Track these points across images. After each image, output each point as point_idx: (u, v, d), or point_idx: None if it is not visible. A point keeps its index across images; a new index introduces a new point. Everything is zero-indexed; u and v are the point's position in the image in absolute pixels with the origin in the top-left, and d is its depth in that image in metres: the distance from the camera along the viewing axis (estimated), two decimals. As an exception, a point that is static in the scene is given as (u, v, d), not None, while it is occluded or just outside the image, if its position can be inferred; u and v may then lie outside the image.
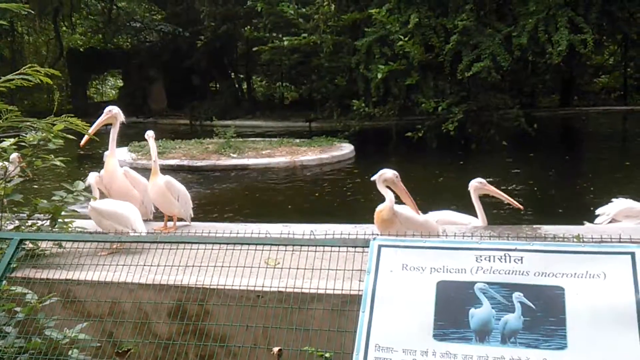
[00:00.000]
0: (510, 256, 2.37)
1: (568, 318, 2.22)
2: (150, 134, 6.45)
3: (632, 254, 2.31)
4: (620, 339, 2.16)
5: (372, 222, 5.02)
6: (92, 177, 5.88)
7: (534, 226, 5.77)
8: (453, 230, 5.42)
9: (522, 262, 2.35)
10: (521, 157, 14.41)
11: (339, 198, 11.04)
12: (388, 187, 4.78)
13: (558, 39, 13.91)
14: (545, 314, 2.24)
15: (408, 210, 4.79)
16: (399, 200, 4.87)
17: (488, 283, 2.33)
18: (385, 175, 4.79)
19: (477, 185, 6.08)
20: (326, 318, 3.61)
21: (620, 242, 2.69)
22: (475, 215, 6.07)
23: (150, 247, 4.57)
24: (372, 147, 16.39)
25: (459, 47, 14.74)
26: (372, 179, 4.91)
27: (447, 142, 15.35)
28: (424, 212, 5.08)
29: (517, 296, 2.29)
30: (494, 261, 2.37)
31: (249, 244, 3.05)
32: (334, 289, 3.49)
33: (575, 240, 4.39)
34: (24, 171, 5.11)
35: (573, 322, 2.21)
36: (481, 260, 2.38)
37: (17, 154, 5.01)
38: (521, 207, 6.28)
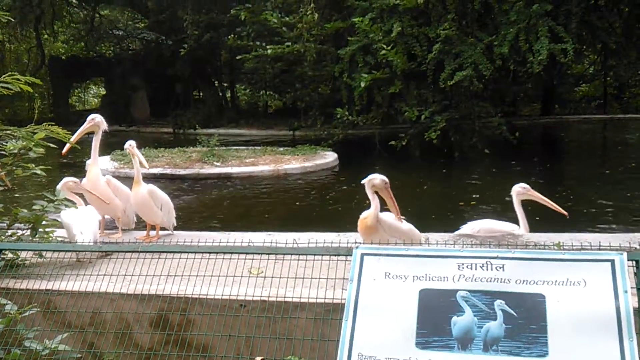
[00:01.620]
0: (491, 264, 2.38)
1: (549, 325, 2.23)
2: (132, 144, 6.39)
3: (612, 261, 2.33)
4: (600, 345, 2.18)
5: (356, 231, 5.03)
6: (63, 183, 5.74)
7: (516, 233, 5.80)
8: (435, 238, 5.44)
9: (503, 270, 2.36)
10: (503, 165, 14.53)
11: (323, 206, 11.05)
12: (376, 192, 4.79)
13: (539, 48, 14.08)
14: (526, 321, 2.26)
15: (392, 217, 4.80)
16: (386, 207, 4.88)
17: (470, 291, 2.35)
18: (374, 181, 4.80)
19: (519, 191, 5.93)
20: (310, 327, 3.60)
21: (600, 249, 2.72)
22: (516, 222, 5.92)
23: (132, 257, 4.53)
24: (355, 156, 16.43)
25: (441, 56, 14.86)
26: (362, 182, 4.91)
27: (430, 151, 15.43)
28: (410, 221, 5.08)
29: (498, 304, 2.30)
30: (475, 269, 2.38)
31: (231, 252, 3.04)
32: (317, 298, 3.49)
33: (555, 247, 4.43)
34: (3, 181, 5.05)
35: (554, 329, 2.22)
36: (463, 268, 2.40)
37: None
38: (566, 213, 6.01)
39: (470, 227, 5.89)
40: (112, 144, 15.57)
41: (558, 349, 2.19)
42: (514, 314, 2.28)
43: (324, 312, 3.47)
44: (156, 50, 27.18)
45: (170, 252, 3.49)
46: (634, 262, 2.39)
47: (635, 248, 4.84)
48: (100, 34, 29.83)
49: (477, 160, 15.17)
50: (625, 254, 2.36)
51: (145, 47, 28.73)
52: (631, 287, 2.29)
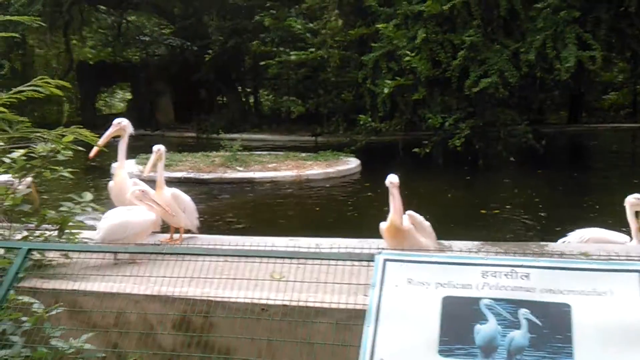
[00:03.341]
0: (516, 272, 2.36)
1: (575, 336, 2.20)
2: (160, 149, 6.48)
3: (640, 272, 2.30)
4: (627, 356, 2.15)
5: (377, 237, 5.02)
6: (131, 192, 5.78)
7: (541, 243, 5.73)
8: (459, 246, 5.40)
9: (528, 279, 2.34)
10: (529, 173, 14.37)
11: (345, 212, 11.04)
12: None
13: (566, 56, 13.93)
14: (551, 331, 2.23)
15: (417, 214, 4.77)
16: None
17: (494, 299, 2.32)
18: (387, 180, 4.81)
19: (633, 202, 5.72)
20: (331, 332, 3.59)
21: (628, 259, 2.68)
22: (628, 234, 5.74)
23: (157, 259, 4.58)
24: (378, 162, 16.38)
25: (466, 63, 14.78)
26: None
27: (454, 158, 15.33)
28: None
29: (523, 313, 2.27)
30: (500, 277, 2.36)
31: (254, 256, 3.06)
32: (338, 303, 3.49)
33: (582, 257, 4.37)
34: (31, 199, 5.11)
35: (580, 339, 2.19)
36: (487, 276, 2.38)
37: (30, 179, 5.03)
38: None
39: (580, 236, 5.72)
40: (137, 148, 15.75)
41: (584, 359, 2.16)
42: (539, 323, 2.25)
43: (345, 318, 3.46)
44: (181, 56, 27.45)
45: (193, 254, 3.52)
46: (662, 273, 2.34)
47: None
48: (127, 40, 30.23)
49: (502, 169, 15.03)
50: (653, 264, 2.32)
51: (171, 52, 29.02)
52: (659, 298, 2.25)
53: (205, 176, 13.88)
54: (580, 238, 5.64)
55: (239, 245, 3.59)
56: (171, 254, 3.65)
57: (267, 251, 2.92)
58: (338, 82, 18.05)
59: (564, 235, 5.75)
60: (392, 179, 4.81)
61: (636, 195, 5.77)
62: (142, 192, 5.68)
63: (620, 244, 5.53)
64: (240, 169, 14.45)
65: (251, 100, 30.31)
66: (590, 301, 2.26)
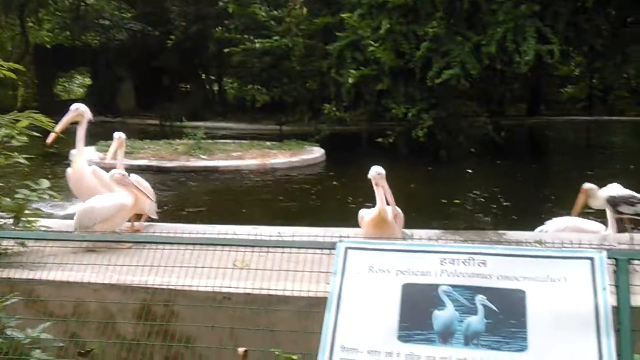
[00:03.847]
0: (474, 260, 2.40)
1: (529, 321, 2.26)
2: (122, 135, 6.44)
3: (592, 259, 2.36)
4: (578, 341, 2.21)
5: (341, 225, 5.05)
6: (110, 175, 5.71)
7: (499, 231, 5.86)
8: (420, 234, 5.47)
9: (485, 266, 2.39)
10: (489, 164, 14.63)
11: (309, 201, 11.06)
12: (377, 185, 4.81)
13: (526, 49, 14.18)
14: (507, 316, 2.28)
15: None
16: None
17: (452, 286, 2.36)
18: (371, 173, 4.83)
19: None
20: (294, 320, 3.62)
21: (580, 247, 2.76)
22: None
23: (117, 247, 4.53)
24: (342, 152, 16.45)
25: (429, 54, 14.91)
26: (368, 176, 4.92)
27: (417, 148, 15.49)
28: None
29: (480, 299, 2.32)
30: (458, 264, 2.40)
31: (216, 244, 3.05)
32: (301, 291, 3.51)
33: (536, 244, 4.48)
34: None
35: (533, 324, 2.25)
36: (446, 263, 2.41)
37: None
38: None
39: (556, 225, 5.87)
40: (97, 135, 15.47)
41: (537, 343, 2.22)
42: (495, 309, 2.30)
43: (308, 306, 3.49)
44: (143, 41, 26.99)
45: (154, 242, 3.49)
46: (614, 260, 2.42)
47: (615, 247, 4.91)
48: (86, 23, 29.50)
49: (463, 159, 15.25)
50: (604, 252, 2.39)
51: (132, 37, 28.49)
52: (610, 285, 2.33)
53: (168, 164, 13.73)
54: (557, 227, 5.79)
55: (201, 234, 3.57)
56: (131, 242, 3.61)
57: (229, 239, 2.92)
58: (303, 71, 18.02)
59: (542, 224, 5.87)
60: (378, 170, 4.84)
61: (615, 184, 5.91)
62: (123, 175, 5.60)
63: (595, 232, 5.70)
64: (204, 157, 14.33)
65: (215, 88, 30.03)
66: (544, 287, 2.31)
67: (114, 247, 4.78)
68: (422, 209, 10.16)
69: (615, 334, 2.22)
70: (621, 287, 2.36)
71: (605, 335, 2.20)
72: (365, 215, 4.90)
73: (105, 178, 6.27)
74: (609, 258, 2.38)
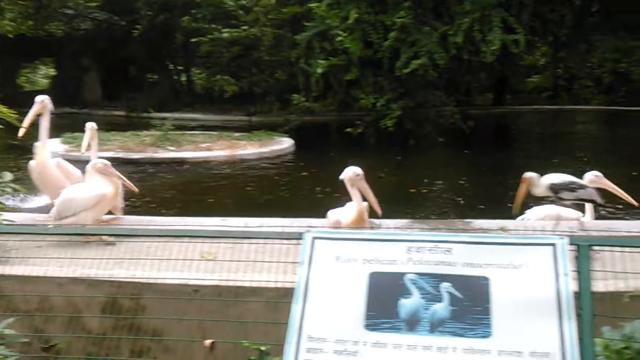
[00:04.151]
0: (439, 247, 2.44)
1: (492, 307, 2.30)
2: (94, 126, 6.38)
3: (554, 245, 2.41)
4: (541, 326, 2.26)
5: (310, 216, 5.05)
6: (92, 165, 5.60)
7: (466, 220, 5.94)
8: (388, 224, 5.50)
9: (450, 253, 2.42)
10: (456, 153, 14.79)
11: (279, 192, 11.05)
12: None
13: (492, 39, 14.35)
14: (471, 303, 2.32)
15: None
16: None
17: (418, 274, 2.39)
18: (347, 174, 4.81)
19: (591, 179, 5.93)
20: (263, 311, 3.62)
21: (542, 233, 2.82)
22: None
23: (81, 240, 4.47)
24: (312, 142, 16.43)
25: (397, 44, 14.96)
26: (340, 177, 4.91)
27: (386, 138, 15.57)
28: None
29: (445, 286, 2.35)
30: (424, 252, 2.43)
31: (182, 236, 3.03)
32: (270, 282, 3.51)
33: (500, 232, 4.56)
34: None
35: (497, 311, 2.29)
36: (412, 251, 2.44)
37: None
38: (636, 204, 5.95)
39: (536, 213, 5.93)
40: (62, 126, 15.20)
41: (500, 329, 2.26)
42: (460, 296, 2.33)
43: (277, 297, 3.49)
44: (108, 31, 26.50)
45: (121, 235, 3.45)
46: (576, 247, 2.47)
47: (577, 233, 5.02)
48: (50, 13, 28.82)
49: (431, 149, 15.39)
50: (566, 238, 2.44)
51: (97, 27, 27.94)
52: (571, 271, 2.38)
53: (135, 156, 13.55)
54: (537, 215, 5.90)
55: (169, 226, 3.55)
56: (97, 234, 3.57)
57: (196, 231, 2.91)
58: (271, 61, 17.93)
59: (522, 213, 5.96)
60: (356, 171, 4.83)
61: (595, 172, 5.98)
62: (105, 164, 5.51)
63: (575, 219, 5.81)
64: (172, 148, 14.18)
65: (183, 78, 29.68)
66: (507, 274, 2.36)
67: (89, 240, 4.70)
68: (390, 199, 10.22)
69: (577, 319, 2.27)
70: (582, 272, 2.41)
71: (567, 320, 2.25)
72: (341, 218, 4.86)
73: (70, 170, 6.18)
74: (570, 244, 2.44)
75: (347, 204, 4.96)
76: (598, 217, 6.24)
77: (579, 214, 5.99)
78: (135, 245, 3.56)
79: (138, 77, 28.16)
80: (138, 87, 26.62)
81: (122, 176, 5.61)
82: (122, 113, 24.76)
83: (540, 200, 6.19)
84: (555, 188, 5.49)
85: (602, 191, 6.14)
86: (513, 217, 5.98)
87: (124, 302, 3.99)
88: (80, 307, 3.98)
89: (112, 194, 5.42)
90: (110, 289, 3.96)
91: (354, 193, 4.80)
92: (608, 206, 7.63)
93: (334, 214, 4.96)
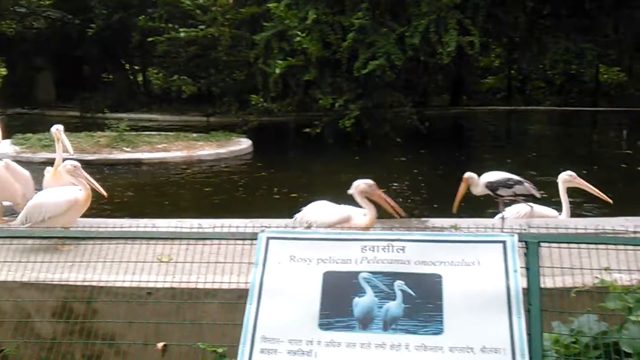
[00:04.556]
0: (393, 246, 2.46)
1: (445, 304, 2.34)
2: (59, 128, 6.23)
3: (504, 243, 2.46)
4: (491, 321, 2.30)
5: (268, 216, 5.04)
6: (62, 166, 5.49)
7: (422, 219, 6.01)
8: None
9: (404, 252, 2.45)
10: (414, 153, 14.96)
11: (236, 193, 10.99)
12: (367, 197, 4.80)
13: (448, 40, 14.57)
14: (424, 300, 2.35)
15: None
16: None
17: (372, 272, 2.41)
18: (360, 187, 4.81)
19: (566, 178, 6.09)
20: (220, 313, 3.60)
21: (493, 231, 2.88)
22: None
23: (34, 244, 4.36)
24: (270, 143, 16.41)
25: (355, 45, 15.05)
26: (348, 192, 4.91)
27: (344, 139, 15.64)
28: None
29: (398, 284, 2.38)
30: (377, 251, 2.45)
31: (134, 238, 2.99)
32: (227, 283, 3.48)
33: (452, 229, 4.63)
34: None
35: (449, 307, 2.33)
36: (366, 250, 2.46)
37: None
38: (610, 201, 6.15)
39: (516, 211, 6.03)
40: (14, 128, 14.83)
41: (452, 326, 2.30)
42: (413, 293, 2.36)
43: (235, 298, 3.47)
44: (62, 30, 25.89)
45: (72, 238, 3.38)
46: (524, 243, 2.52)
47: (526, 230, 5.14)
48: (1, 11, 28.00)
49: (389, 149, 15.53)
50: (516, 235, 2.49)
51: (51, 25, 27.28)
52: (521, 267, 2.43)
53: (89, 157, 13.27)
54: (516, 213, 6.01)
55: (123, 228, 3.49)
56: (48, 237, 3.49)
57: (149, 232, 2.87)
58: (230, 61, 17.79)
59: (499, 212, 6.07)
60: (368, 182, 4.85)
61: (569, 172, 6.22)
62: (75, 167, 5.38)
63: (552, 217, 5.92)
64: (128, 149, 13.96)
65: (139, 78, 29.23)
66: (459, 271, 2.40)
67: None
68: (349, 198, 10.28)
69: (526, 314, 2.33)
70: (531, 269, 2.47)
71: (517, 315, 2.30)
72: (355, 218, 4.87)
73: (19, 171, 6.02)
74: (520, 241, 2.50)
75: (349, 207, 4.98)
76: (573, 215, 6.40)
77: (555, 212, 6.14)
78: (87, 248, 3.49)
79: (93, 76, 27.62)
80: (93, 87, 26.12)
81: (91, 179, 5.49)
82: (76, 113, 24.26)
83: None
84: (492, 186, 5.63)
85: (577, 190, 6.29)
86: (467, 216, 6.09)
87: (76, 306, 3.91)
88: (31, 312, 3.89)
89: (84, 198, 5.32)
90: (62, 293, 3.87)
91: (364, 203, 4.80)
92: (588, 206, 7.85)
93: (345, 209, 4.95)
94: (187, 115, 22.47)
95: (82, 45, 24.38)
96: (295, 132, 16.93)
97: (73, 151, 6.09)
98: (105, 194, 5.82)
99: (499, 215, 6.05)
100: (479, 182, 5.71)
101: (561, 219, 5.95)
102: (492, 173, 5.79)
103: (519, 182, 5.66)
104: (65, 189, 5.33)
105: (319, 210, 5.03)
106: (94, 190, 5.55)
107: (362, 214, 4.92)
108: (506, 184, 5.60)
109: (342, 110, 15.23)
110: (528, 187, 5.70)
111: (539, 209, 6.18)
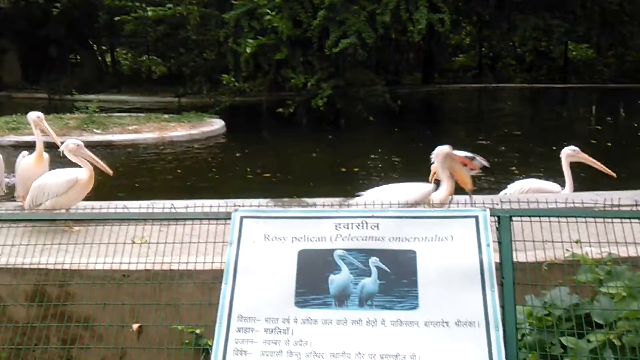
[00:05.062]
0: (367, 223, 2.48)
1: (419, 279, 2.36)
2: (40, 116, 6.11)
3: (476, 217, 2.49)
4: (465, 295, 2.34)
5: (241, 197, 5.02)
6: (65, 145, 5.42)
7: (562, 193, 5.97)
8: (322, 202, 5.54)
9: (378, 229, 2.46)
10: (387, 131, 15.01)
11: (209, 174, 10.93)
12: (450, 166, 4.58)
13: (418, 18, 14.56)
14: (399, 276, 2.37)
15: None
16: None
17: (347, 250, 2.43)
18: (441, 153, 4.59)
19: (569, 153, 6.07)
20: (197, 294, 3.59)
21: (466, 206, 2.91)
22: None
23: (3, 227, 4.27)
24: (243, 123, 16.32)
25: (326, 23, 14.95)
26: (432, 164, 4.77)
27: (317, 118, 15.61)
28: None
29: (373, 261, 2.40)
30: (352, 228, 2.47)
31: (108, 219, 2.96)
32: (202, 263, 3.47)
33: (426, 206, 4.67)
34: None
35: (424, 282, 2.36)
36: (340, 228, 2.47)
37: None
38: (614, 175, 6.15)
39: (520, 186, 6.01)
40: (-23, 111, 14.49)
41: (427, 300, 2.33)
42: (388, 270, 2.38)
43: (211, 278, 3.47)
44: (27, 10, 25.17)
45: (44, 220, 3.34)
46: (496, 218, 2.56)
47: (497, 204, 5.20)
48: (-39, -9, 27.19)
49: (362, 128, 15.55)
50: (488, 210, 2.52)
51: (14, 5, 26.53)
52: (493, 241, 2.47)
53: (59, 140, 13.04)
54: (520, 188, 6.03)
55: (94, 210, 3.44)
56: (16, 220, 3.43)
57: (121, 214, 2.84)
58: (199, 40, 17.56)
59: (505, 187, 6.07)
60: (447, 149, 4.64)
61: (572, 147, 6.23)
62: (78, 145, 5.30)
63: (556, 192, 5.96)
64: (98, 131, 13.76)
65: (108, 59, 28.70)
66: (433, 246, 2.42)
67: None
68: (323, 178, 10.32)
69: (499, 288, 2.37)
70: (503, 243, 2.50)
71: (490, 289, 2.34)
72: (435, 197, 4.73)
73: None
74: (492, 216, 2.53)
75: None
76: (576, 189, 6.46)
77: (558, 187, 6.18)
78: (59, 231, 3.44)
79: (60, 57, 27.01)
80: (60, 69, 25.60)
81: (95, 157, 5.44)
82: (43, 95, 23.75)
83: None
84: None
85: (580, 165, 6.33)
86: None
87: (51, 290, 3.87)
88: (4, 297, 3.84)
89: (87, 178, 5.28)
90: (36, 277, 3.82)
91: (444, 174, 4.65)
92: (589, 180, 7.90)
93: (431, 190, 4.82)
94: (157, 96, 22.18)
95: (47, 26, 23.79)
96: (268, 112, 16.83)
97: (56, 139, 6.00)
98: (110, 172, 5.78)
99: (504, 191, 6.07)
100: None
101: (564, 194, 5.99)
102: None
103: (472, 158, 5.70)
104: (68, 170, 5.31)
105: (398, 190, 4.84)
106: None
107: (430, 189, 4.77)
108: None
109: (315, 89, 15.17)
110: (480, 160, 5.75)
111: (543, 184, 6.20)
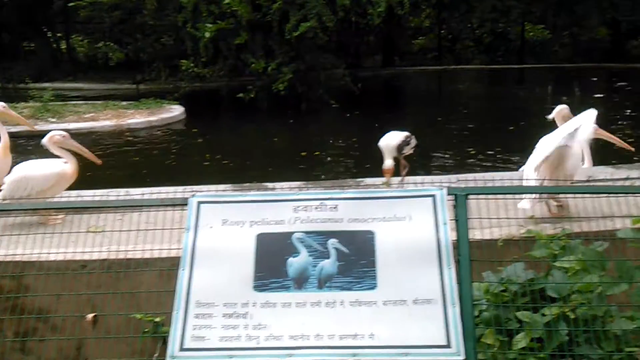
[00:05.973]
0: (325, 205, 2.47)
1: (377, 259, 2.37)
2: (4, 105, 5.84)
3: (433, 197, 2.51)
4: (423, 273, 2.36)
5: (200, 183, 4.96)
6: (49, 137, 5.08)
7: (357, 179, 6.06)
8: (282, 186, 5.52)
9: (336, 210, 2.46)
10: (348, 115, 15.03)
11: (168, 161, 10.79)
12: None
13: (378, 0, 14.55)
14: (357, 257, 2.38)
15: None
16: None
17: (305, 232, 2.42)
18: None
19: (566, 113, 5.93)
20: (156, 282, 3.55)
21: (423, 186, 2.92)
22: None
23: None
24: (203, 109, 16.12)
25: (285, 7, 14.85)
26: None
27: (278, 103, 15.53)
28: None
29: (332, 242, 2.39)
30: (311, 211, 2.46)
31: (63, 208, 2.89)
32: (160, 249, 3.43)
33: (384, 186, 4.70)
34: None
35: (382, 262, 2.37)
36: (299, 210, 2.46)
37: None
38: (632, 148, 6.05)
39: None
40: None
41: (385, 280, 2.34)
42: (346, 251, 2.38)
43: (170, 266, 3.42)
44: (-25, -4, 24.39)
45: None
46: (454, 196, 2.58)
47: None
48: None
49: (323, 112, 15.54)
50: (445, 189, 2.54)
51: (-38, -9, 25.65)
52: (450, 220, 2.49)
53: (12, 129, 12.56)
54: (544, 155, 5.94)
55: (47, 199, 3.36)
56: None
57: (75, 202, 2.77)
58: (156, 25, 17.26)
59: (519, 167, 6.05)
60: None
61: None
62: (63, 136, 5.02)
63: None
64: (53, 120, 13.45)
65: (63, 46, 27.97)
66: (391, 226, 2.43)
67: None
68: (284, 162, 10.28)
69: (456, 265, 2.39)
70: (460, 221, 2.52)
71: (447, 267, 2.36)
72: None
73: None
74: (449, 194, 2.54)
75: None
76: (596, 164, 6.48)
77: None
78: (9, 221, 3.35)
79: (12, 45, 26.22)
80: (13, 56, 24.88)
81: (83, 148, 5.18)
82: (-5, 84, 23.10)
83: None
84: (400, 148, 5.60)
85: (599, 140, 6.36)
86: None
87: (6, 282, 3.77)
88: (-46, 292, 3.72)
89: (72, 171, 4.98)
90: (-13, 271, 3.72)
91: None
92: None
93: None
94: (115, 83, 21.75)
95: (-2, 12, 23.07)
96: (229, 98, 16.67)
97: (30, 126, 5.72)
98: (99, 162, 5.51)
99: (521, 168, 6.02)
100: (387, 149, 5.63)
101: (585, 169, 6.00)
102: (391, 136, 5.74)
103: (410, 137, 5.72)
104: (49, 161, 5.01)
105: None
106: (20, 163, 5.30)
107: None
108: (406, 142, 5.64)
109: (275, 74, 15.09)
110: (414, 138, 5.78)
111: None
